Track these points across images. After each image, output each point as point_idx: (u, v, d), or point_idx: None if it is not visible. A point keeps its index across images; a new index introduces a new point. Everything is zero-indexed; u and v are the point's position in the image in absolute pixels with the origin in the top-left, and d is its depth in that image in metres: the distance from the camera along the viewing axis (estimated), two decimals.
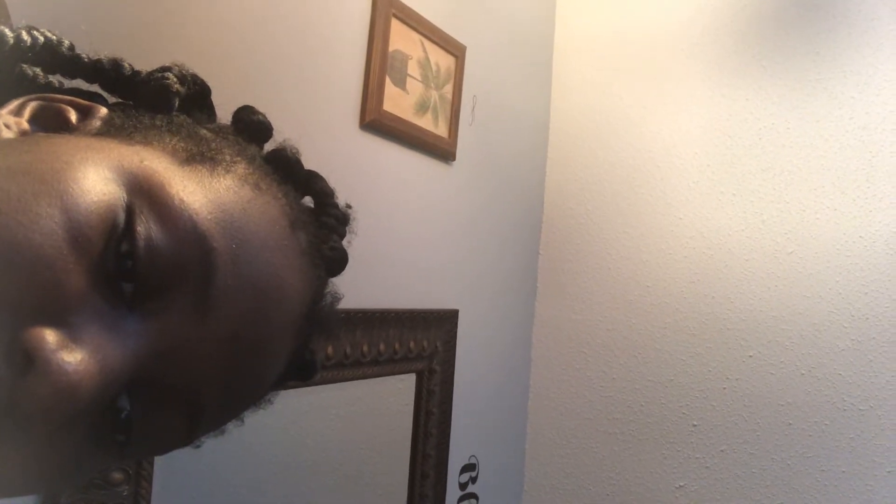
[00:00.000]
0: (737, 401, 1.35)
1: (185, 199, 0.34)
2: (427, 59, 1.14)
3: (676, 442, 1.40)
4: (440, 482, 1.23)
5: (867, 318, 1.25)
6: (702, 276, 1.40)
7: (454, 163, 1.25)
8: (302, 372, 0.47)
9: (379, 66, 1.03)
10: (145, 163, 0.35)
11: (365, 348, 1.04)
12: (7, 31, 0.39)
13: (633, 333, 1.47)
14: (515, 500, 1.54)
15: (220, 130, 0.44)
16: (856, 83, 1.30)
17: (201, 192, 0.35)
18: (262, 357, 0.39)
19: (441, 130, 1.19)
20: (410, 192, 1.15)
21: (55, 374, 0.28)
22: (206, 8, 0.80)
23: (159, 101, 0.43)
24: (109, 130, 0.39)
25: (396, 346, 1.11)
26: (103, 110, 0.40)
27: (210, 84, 0.49)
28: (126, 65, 0.45)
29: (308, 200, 0.49)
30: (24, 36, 0.40)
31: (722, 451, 1.36)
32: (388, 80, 1.05)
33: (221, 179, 0.37)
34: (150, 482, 0.75)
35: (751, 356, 1.34)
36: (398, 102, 1.08)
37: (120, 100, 0.46)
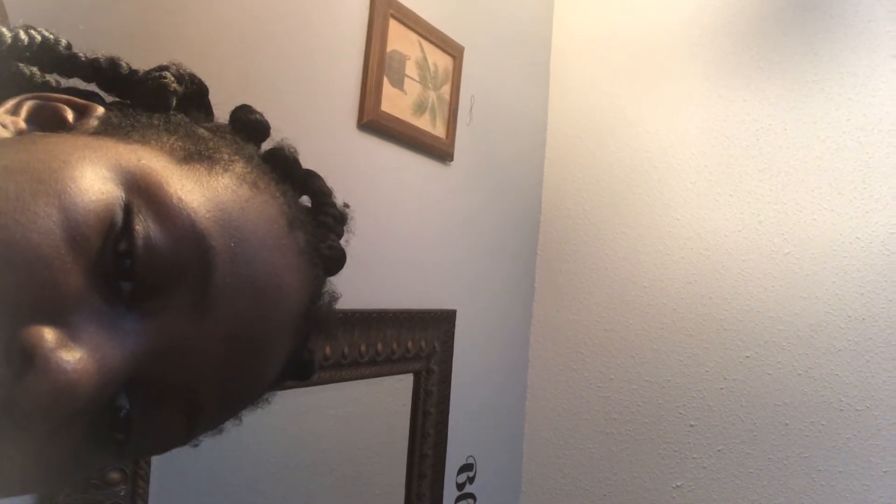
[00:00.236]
0: (734, 401, 1.35)
1: (183, 197, 0.34)
2: (425, 59, 1.14)
3: (674, 442, 1.40)
4: (437, 482, 1.23)
5: (864, 319, 1.25)
6: (699, 277, 1.41)
7: (452, 163, 1.25)
8: (300, 371, 0.47)
9: (377, 66, 1.03)
10: (143, 161, 0.35)
11: (363, 348, 1.04)
12: (5, 31, 0.39)
13: (630, 334, 1.47)
14: (513, 501, 1.54)
15: (217, 129, 0.44)
16: (853, 85, 1.30)
17: (199, 190, 0.35)
18: (260, 356, 0.39)
19: (439, 131, 1.19)
20: (408, 193, 1.15)
21: (54, 372, 0.28)
22: (205, 8, 0.80)
23: (157, 100, 0.43)
24: (107, 129, 0.39)
25: (394, 346, 1.11)
26: (100, 109, 0.40)
27: (208, 84, 0.49)
28: (123, 64, 0.45)
29: (306, 200, 0.49)
30: (22, 35, 0.40)
31: (719, 451, 1.36)
32: (385, 80, 1.06)
33: (219, 178, 0.37)
34: (147, 482, 0.74)
35: (748, 356, 1.35)
36: (396, 103, 1.08)
37: (117, 99, 0.46)
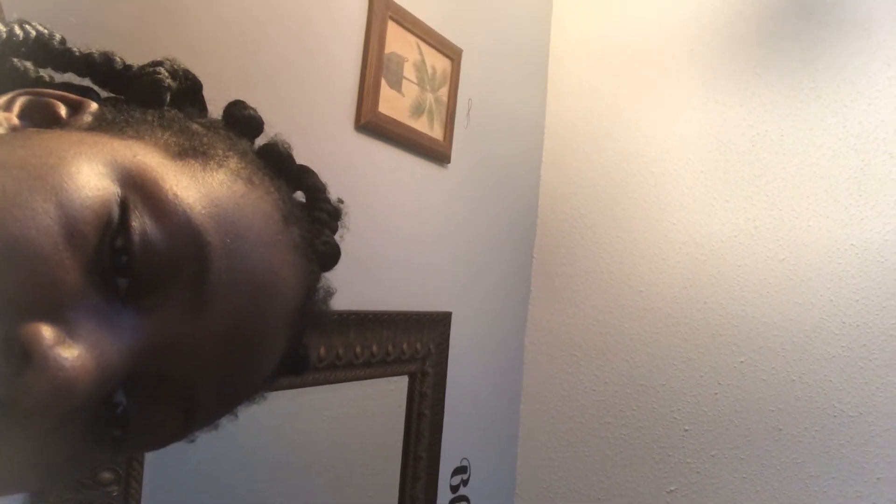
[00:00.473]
0: (728, 406, 1.35)
1: (178, 193, 0.34)
2: (423, 61, 1.14)
3: (668, 446, 1.40)
4: (431, 484, 1.23)
5: (858, 326, 1.26)
6: (694, 282, 1.41)
7: (449, 165, 1.26)
8: (296, 366, 0.47)
9: (375, 68, 1.03)
10: (138, 157, 0.35)
11: (358, 350, 1.04)
12: (0, 25, 0.39)
13: (625, 338, 1.47)
14: (507, 503, 1.54)
15: (211, 125, 0.44)
16: (849, 92, 1.30)
17: (195, 186, 0.35)
18: (256, 351, 0.39)
19: (436, 133, 1.19)
20: (405, 195, 1.15)
21: (52, 369, 0.28)
22: (204, 7, 0.80)
23: (151, 96, 0.43)
24: (101, 125, 0.38)
25: (389, 347, 1.11)
26: (94, 105, 0.40)
27: (205, 85, 0.49)
28: (117, 59, 0.45)
29: (300, 195, 0.49)
30: (17, 30, 0.40)
31: (713, 455, 1.36)
32: (383, 82, 1.06)
33: (214, 174, 0.37)
34: (140, 482, 0.74)
35: (742, 362, 1.35)
36: (394, 104, 1.08)
37: (111, 94, 0.46)
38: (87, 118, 0.39)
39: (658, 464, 1.41)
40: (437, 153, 1.20)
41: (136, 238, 0.32)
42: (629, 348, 1.46)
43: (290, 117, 0.92)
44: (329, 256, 0.46)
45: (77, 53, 0.43)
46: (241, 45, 0.84)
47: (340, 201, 0.51)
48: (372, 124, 1.04)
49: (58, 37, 0.43)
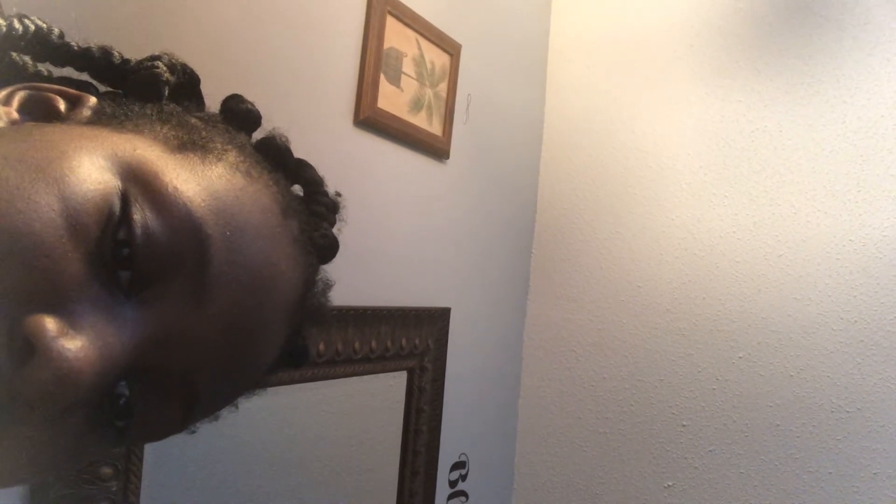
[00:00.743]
0: (726, 401, 1.36)
1: (178, 187, 0.34)
2: (422, 56, 1.14)
3: (665, 442, 1.41)
4: (430, 480, 1.23)
5: (856, 322, 1.26)
6: (693, 278, 1.41)
7: (448, 161, 1.25)
8: (295, 358, 0.48)
9: (374, 63, 1.03)
10: (138, 151, 0.35)
11: (357, 345, 1.04)
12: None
13: (624, 333, 1.47)
14: (505, 498, 1.54)
15: (209, 119, 0.45)
16: (847, 87, 1.30)
17: (194, 180, 0.36)
18: (256, 343, 0.39)
19: (435, 128, 1.19)
20: (404, 190, 1.15)
21: (56, 360, 0.28)
22: (201, 2, 0.79)
23: (149, 90, 0.44)
24: (100, 119, 0.39)
25: (388, 343, 1.11)
26: (92, 99, 0.40)
27: (204, 80, 0.49)
28: (116, 53, 0.45)
29: (297, 189, 0.49)
30: (16, 24, 0.40)
31: (710, 451, 1.36)
32: (382, 77, 1.05)
33: (213, 167, 0.37)
34: (139, 477, 0.74)
35: (740, 357, 1.35)
36: (392, 100, 1.08)
37: (110, 88, 0.46)
38: (86, 112, 0.39)
39: (656, 459, 1.41)
40: (435, 149, 1.20)
41: (139, 231, 0.32)
42: (627, 344, 1.46)
43: (289, 113, 0.92)
44: (327, 249, 0.46)
45: (75, 48, 0.43)
46: (239, 40, 0.84)
47: (338, 195, 0.52)
48: (371, 120, 1.04)
49: (56, 31, 0.43)
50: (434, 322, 1.23)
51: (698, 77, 1.44)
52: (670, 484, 1.39)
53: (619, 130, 1.52)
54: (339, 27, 1.00)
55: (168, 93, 0.45)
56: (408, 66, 1.11)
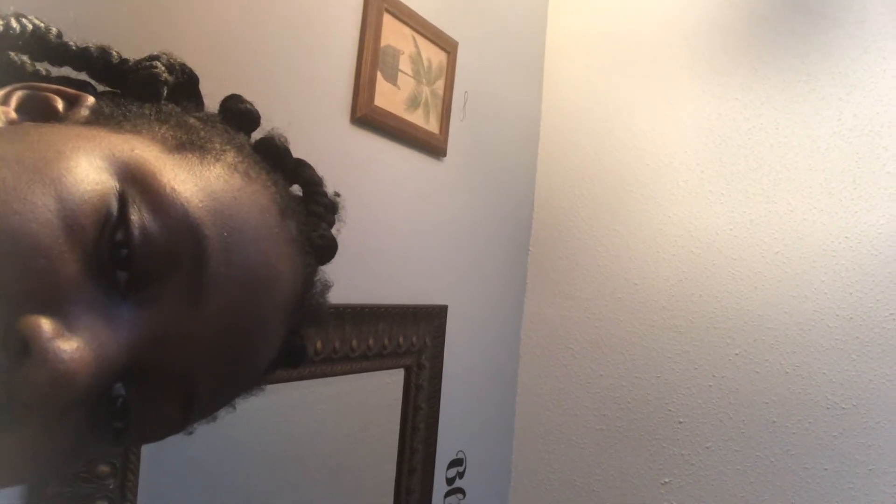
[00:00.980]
0: (722, 398, 1.36)
1: (176, 187, 0.34)
2: (419, 54, 1.14)
3: (662, 438, 1.41)
4: (427, 477, 1.24)
5: (851, 318, 1.26)
6: (690, 275, 1.41)
7: (445, 159, 1.25)
8: (293, 358, 0.47)
9: (370, 60, 1.03)
10: (136, 151, 0.35)
11: (354, 343, 1.04)
12: None
13: (620, 331, 1.47)
14: (502, 495, 1.55)
15: (208, 119, 0.45)
16: (844, 85, 1.31)
17: (192, 180, 0.36)
18: (254, 344, 0.39)
19: (432, 126, 1.19)
20: (401, 188, 1.15)
21: (52, 361, 0.28)
22: (198, 1, 0.79)
23: (147, 90, 0.43)
24: (98, 119, 0.39)
25: (385, 341, 1.11)
26: (91, 99, 0.40)
27: (202, 79, 0.49)
28: (114, 53, 0.45)
29: (296, 189, 0.49)
30: (14, 23, 0.40)
31: (707, 447, 1.37)
32: (379, 75, 1.05)
33: (211, 168, 0.37)
34: (136, 475, 0.74)
35: (737, 354, 1.35)
36: (389, 98, 1.08)
37: (108, 88, 0.46)
38: (85, 112, 0.39)
39: (653, 455, 1.42)
40: (433, 146, 1.20)
41: (136, 232, 0.32)
42: (624, 341, 1.47)
43: (286, 111, 0.92)
44: (326, 249, 0.46)
45: (74, 47, 0.43)
46: (237, 39, 0.84)
47: (337, 195, 0.51)
48: (368, 117, 1.04)
49: (54, 31, 0.43)
50: (431, 319, 1.23)
51: (695, 74, 1.44)
52: (667, 480, 1.40)
53: (616, 128, 1.52)
54: (336, 25, 0.99)
55: (167, 93, 0.44)
56: (405, 64, 1.11)
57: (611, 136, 1.52)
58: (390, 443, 1.16)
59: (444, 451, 1.30)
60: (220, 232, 0.35)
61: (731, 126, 1.40)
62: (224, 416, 0.45)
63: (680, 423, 1.40)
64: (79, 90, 0.41)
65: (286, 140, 0.48)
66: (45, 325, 0.29)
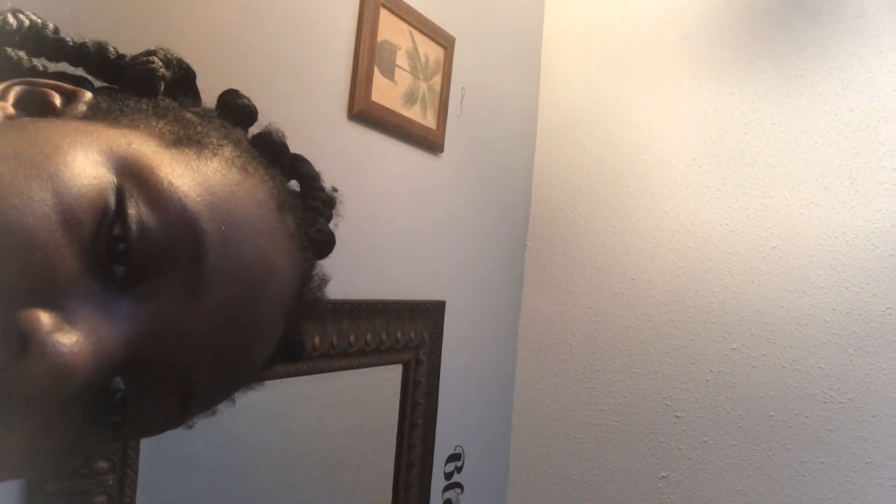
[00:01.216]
0: (719, 393, 1.37)
1: (174, 182, 0.34)
2: (416, 49, 1.14)
3: (660, 433, 1.42)
4: (426, 472, 1.24)
5: (847, 313, 1.27)
6: (687, 270, 1.42)
7: (442, 154, 1.26)
8: (292, 353, 0.48)
9: (367, 56, 1.03)
10: (133, 146, 0.35)
11: (352, 339, 1.04)
12: None
13: (618, 326, 1.48)
14: (500, 490, 1.55)
15: (205, 114, 0.45)
16: (840, 80, 1.31)
17: (189, 175, 0.36)
18: (252, 338, 0.39)
19: (429, 122, 1.19)
20: (398, 184, 1.15)
21: (50, 355, 0.28)
22: None
23: (145, 85, 0.43)
24: (95, 114, 0.39)
25: (383, 336, 1.11)
26: (88, 94, 0.40)
27: (199, 74, 0.49)
28: (111, 48, 0.45)
29: (294, 184, 0.49)
30: (10, 19, 0.40)
31: (704, 441, 1.37)
32: (376, 70, 1.05)
33: (209, 162, 0.37)
34: (135, 471, 0.74)
35: (734, 349, 1.36)
36: (386, 93, 1.08)
37: (105, 84, 0.46)
38: (82, 107, 0.39)
39: (650, 450, 1.42)
40: (430, 142, 1.20)
41: (134, 226, 0.32)
42: (622, 336, 1.47)
43: (283, 106, 0.92)
44: (324, 244, 0.46)
45: (70, 43, 0.43)
46: (234, 35, 0.84)
47: (335, 190, 0.51)
48: (365, 113, 1.04)
49: (51, 26, 0.43)
50: (429, 315, 1.23)
51: (692, 70, 1.44)
52: (665, 475, 1.40)
53: (613, 123, 1.52)
54: (333, 20, 0.99)
55: (164, 88, 0.44)
56: (402, 60, 1.11)
57: (608, 131, 1.52)
58: (388, 438, 1.16)
59: (443, 446, 1.31)
60: (218, 226, 0.35)
61: (728, 121, 1.40)
62: (223, 410, 0.45)
63: (677, 417, 1.40)
64: (76, 86, 0.41)
65: (284, 135, 0.48)
66: (44, 318, 0.29)
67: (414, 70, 1.14)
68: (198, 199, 0.35)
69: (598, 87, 1.55)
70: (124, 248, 0.32)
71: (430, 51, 1.18)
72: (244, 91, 0.50)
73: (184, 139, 0.38)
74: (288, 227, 0.41)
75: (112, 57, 0.45)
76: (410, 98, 1.14)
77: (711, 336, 1.38)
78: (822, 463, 1.27)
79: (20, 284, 0.29)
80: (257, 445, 0.90)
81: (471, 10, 1.31)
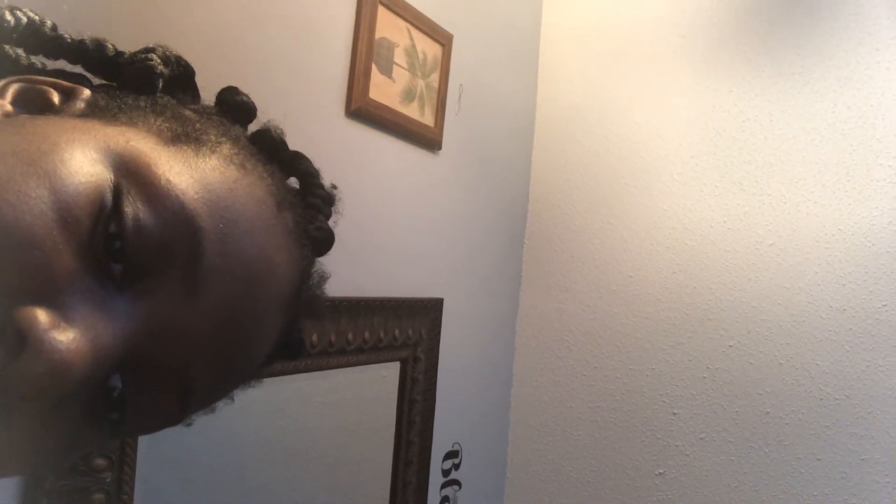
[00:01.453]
0: (716, 389, 1.37)
1: (171, 179, 0.34)
2: (414, 47, 1.14)
3: (657, 430, 1.42)
4: (423, 469, 1.24)
5: (844, 310, 1.27)
6: (684, 267, 1.42)
7: (440, 152, 1.25)
8: (290, 350, 0.47)
9: (365, 53, 1.03)
10: (131, 143, 0.35)
11: (350, 336, 1.04)
12: None
13: (615, 323, 1.48)
14: (498, 487, 1.56)
15: (204, 111, 0.44)
16: (837, 77, 1.31)
17: (187, 172, 0.35)
18: (250, 336, 0.39)
19: (427, 119, 1.19)
20: (396, 181, 1.15)
21: (48, 352, 0.28)
22: None
23: (143, 83, 0.43)
24: (94, 112, 0.38)
25: (381, 334, 1.11)
26: (86, 92, 0.40)
27: (197, 71, 0.49)
28: (109, 46, 0.45)
29: (293, 181, 0.49)
30: (8, 16, 0.40)
31: (701, 438, 1.38)
32: (374, 67, 1.05)
33: (207, 160, 0.37)
34: (133, 468, 0.74)
35: (731, 346, 1.36)
36: (384, 90, 1.08)
37: (104, 81, 0.46)
38: (80, 105, 0.39)
39: (647, 447, 1.43)
40: (428, 139, 1.20)
41: (130, 223, 0.32)
42: (619, 333, 1.47)
43: (281, 103, 0.92)
44: (323, 241, 0.46)
45: (69, 40, 0.43)
46: (232, 32, 0.84)
47: (334, 187, 0.51)
48: (363, 110, 1.04)
49: (49, 23, 0.42)
50: (427, 313, 1.23)
51: (690, 67, 1.44)
52: (662, 471, 1.41)
53: (611, 121, 1.52)
54: (331, 17, 0.99)
55: (162, 85, 0.44)
56: (399, 57, 1.11)
57: (606, 128, 1.52)
58: (386, 435, 1.16)
59: (440, 443, 1.31)
60: (216, 224, 0.35)
61: (726, 118, 1.40)
62: (222, 408, 0.45)
63: (674, 414, 1.41)
64: (74, 83, 0.41)
65: (282, 132, 0.48)
66: (41, 316, 0.29)
67: (412, 67, 1.14)
68: (195, 197, 0.35)
69: (596, 85, 1.55)
70: (121, 245, 0.32)
71: (428, 48, 1.18)
72: (242, 88, 0.50)
73: (182, 136, 0.38)
74: (287, 224, 0.41)
75: (110, 54, 0.45)
76: (408, 95, 1.14)
77: (708, 333, 1.39)
78: (819, 459, 1.27)
79: (17, 282, 0.29)
80: (255, 443, 0.90)
81: (469, 8, 1.31)
